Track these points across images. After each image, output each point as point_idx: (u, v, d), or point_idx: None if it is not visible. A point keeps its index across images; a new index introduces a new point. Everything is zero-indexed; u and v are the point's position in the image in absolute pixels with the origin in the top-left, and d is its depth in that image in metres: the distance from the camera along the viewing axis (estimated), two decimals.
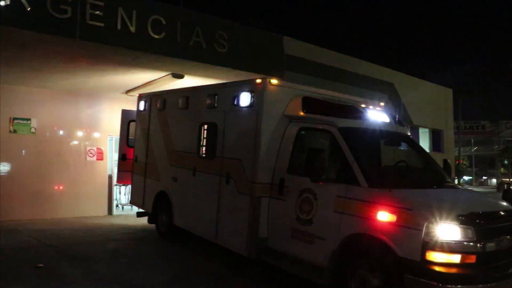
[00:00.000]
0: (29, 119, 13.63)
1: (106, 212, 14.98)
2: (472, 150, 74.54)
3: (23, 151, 13.55)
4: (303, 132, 7.83)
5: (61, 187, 14.14)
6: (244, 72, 11.68)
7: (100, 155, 14.94)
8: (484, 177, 75.44)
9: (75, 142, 14.63)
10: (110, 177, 15.10)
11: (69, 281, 7.57)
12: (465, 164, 60.68)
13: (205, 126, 9.63)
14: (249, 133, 8.15)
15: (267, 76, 8.50)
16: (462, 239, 5.74)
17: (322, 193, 7.00)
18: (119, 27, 9.67)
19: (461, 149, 51.57)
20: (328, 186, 6.92)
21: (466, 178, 63.59)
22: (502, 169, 73.78)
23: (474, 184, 67.99)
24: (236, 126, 8.66)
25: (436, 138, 23.00)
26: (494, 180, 73.08)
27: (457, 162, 39.57)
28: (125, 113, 13.17)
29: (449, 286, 5.62)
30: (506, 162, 70.57)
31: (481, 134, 74.56)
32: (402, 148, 8.68)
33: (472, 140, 73.72)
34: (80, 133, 14.69)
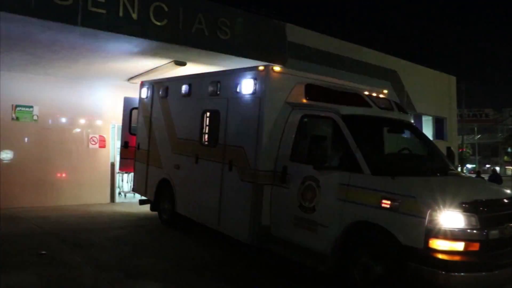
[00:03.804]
0: (31, 107, 13.62)
1: (108, 200, 15.01)
2: (476, 138, 74.41)
3: (25, 139, 13.54)
4: (306, 119, 7.79)
5: (63, 175, 14.16)
6: (246, 59, 11.62)
7: (102, 143, 14.94)
8: (487, 165, 75.42)
9: (78, 130, 14.62)
10: (112, 164, 15.11)
11: (71, 268, 7.58)
12: (468, 152, 60.64)
13: (208, 114, 9.59)
14: (251, 120, 8.11)
15: (270, 63, 8.46)
16: (466, 227, 5.72)
17: (325, 180, 6.97)
18: (121, 14, 9.61)
19: (465, 137, 51.46)
20: (331, 174, 6.89)
21: (469, 166, 63.52)
22: (505, 157, 73.71)
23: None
24: (238, 114, 8.62)
25: (439, 126, 22.97)
26: (497, 168, 73.07)
27: (460, 150, 39.51)
28: (127, 101, 13.11)
29: (453, 273, 5.61)
30: (509, 150, 70.48)
31: (485, 122, 74.41)
32: (405, 136, 8.65)
33: (476, 128, 73.58)
34: (82, 121, 14.67)
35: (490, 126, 75.36)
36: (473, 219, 5.75)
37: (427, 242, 5.69)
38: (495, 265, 5.86)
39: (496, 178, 23.42)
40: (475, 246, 5.76)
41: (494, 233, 5.89)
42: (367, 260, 6.31)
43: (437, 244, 5.67)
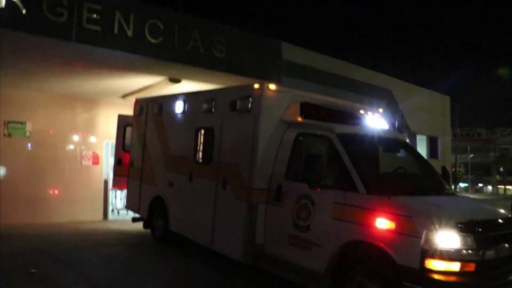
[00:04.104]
0: (24, 123, 13.55)
1: (101, 217, 14.91)
2: (469, 158, 74.76)
3: (18, 155, 13.44)
4: (301, 137, 7.77)
5: (56, 192, 14.06)
6: (241, 77, 11.65)
7: (96, 160, 14.88)
8: (480, 184, 75.66)
9: (71, 146, 14.56)
10: (105, 181, 15.04)
11: (62, 287, 7.48)
12: (461, 171, 60.86)
13: (202, 131, 9.57)
14: (246, 138, 8.09)
15: (265, 81, 8.46)
16: (462, 247, 5.68)
17: (320, 199, 6.93)
18: (116, 31, 9.64)
19: (458, 156, 51.67)
20: (326, 193, 6.85)
21: (462, 185, 63.71)
22: (497, 177, 74.04)
23: (470, 191, 68.11)
24: (233, 131, 8.60)
25: (433, 145, 23.01)
26: (489, 187, 73.27)
27: (453, 169, 39.63)
28: (121, 118, 13.09)
29: None
30: (501, 169, 70.82)
31: (478, 141, 74.84)
32: (401, 155, 8.64)
33: (469, 147, 73.98)
34: (75, 137, 14.61)
35: (482, 146, 75.75)
36: (469, 239, 5.71)
37: (423, 262, 5.63)
38: (491, 285, 5.82)
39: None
40: (471, 267, 5.71)
41: (490, 253, 5.85)
42: (362, 280, 6.24)
43: (433, 264, 5.62)
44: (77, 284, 7.68)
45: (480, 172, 76.41)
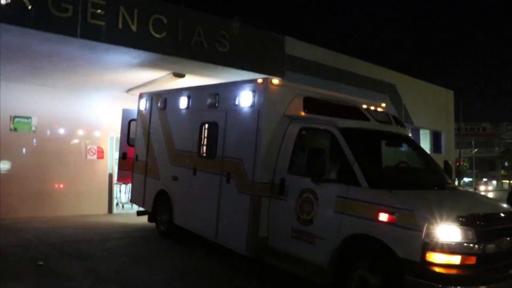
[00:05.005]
0: (30, 117, 13.63)
1: (106, 211, 14.98)
2: (473, 152, 74.50)
3: (24, 149, 13.55)
4: (304, 132, 7.82)
5: (61, 186, 14.14)
6: (245, 71, 11.69)
7: (100, 154, 14.93)
8: (484, 179, 75.45)
9: (76, 141, 14.62)
10: (110, 175, 15.09)
11: (69, 280, 7.56)
12: (465, 166, 60.72)
13: (206, 126, 9.62)
14: (250, 132, 8.14)
15: (268, 76, 8.50)
16: (462, 240, 5.74)
17: (323, 193, 6.99)
18: (120, 26, 9.67)
19: (462, 151, 51.52)
20: (329, 186, 6.91)
21: (466, 179, 63.52)
22: (502, 171, 73.80)
23: (476, 185, 67.94)
24: (237, 126, 8.65)
25: (436, 139, 22.97)
26: (494, 182, 73.08)
27: (457, 163, 39.56)
28: (126, 112, 13.15)
29: (449, 287, 5.61)
30: (506, 164, 70.59)
31: (482, 136, 74.54)
32: (403, 149, 8.67)
33: (473, 142, 73.69)
34: (80, 132, 14.67)
35: (487, 140, 75.43)
36: (469, 232, 5.77)
37: (424, 256, 5.70)
38: (491, 279, 5.87)
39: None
40: (472, 260, 5.77)
41: (490, 247, 5.91)
42: (364, 273, 6.31)
43: (434, 257, 5.68)
44: (84, 276, 7.78)
45: (485, 167, 76.15)
